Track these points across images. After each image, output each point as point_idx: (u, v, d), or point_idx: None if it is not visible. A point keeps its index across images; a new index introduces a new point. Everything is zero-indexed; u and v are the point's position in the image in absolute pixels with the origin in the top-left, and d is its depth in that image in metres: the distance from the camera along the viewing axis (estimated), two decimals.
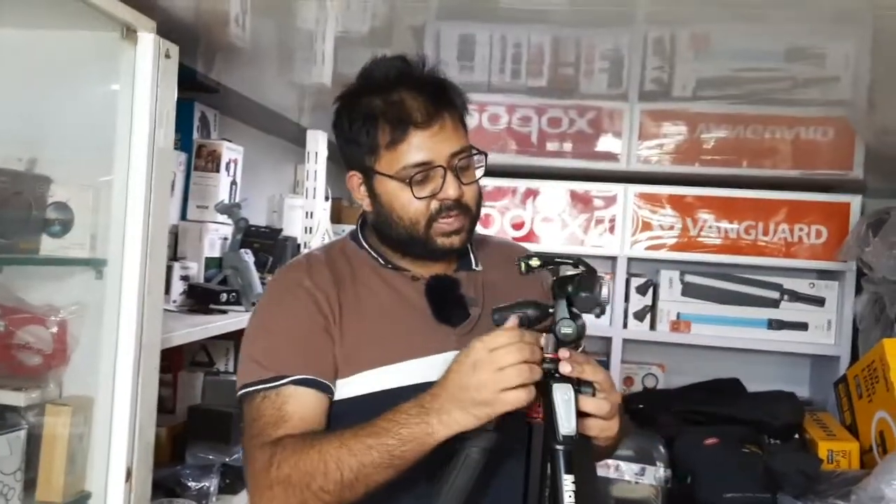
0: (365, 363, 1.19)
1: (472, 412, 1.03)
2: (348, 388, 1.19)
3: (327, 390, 1.18)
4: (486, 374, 1.02)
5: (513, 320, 1.07)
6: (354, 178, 1.26)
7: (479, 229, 1.33)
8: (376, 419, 1.08)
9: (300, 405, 1.16)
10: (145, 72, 1.34)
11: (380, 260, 1.27)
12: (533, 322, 1.08)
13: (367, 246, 1.29)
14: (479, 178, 1.24)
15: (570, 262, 1.10)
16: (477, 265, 1.31)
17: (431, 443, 1.05)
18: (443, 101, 1.20)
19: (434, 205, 1.19)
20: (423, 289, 1.22)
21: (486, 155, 1.24)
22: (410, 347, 1.13)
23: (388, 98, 1.19)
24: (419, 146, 1.17)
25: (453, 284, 1.21)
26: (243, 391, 1.19)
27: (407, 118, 1.17)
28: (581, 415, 1.07)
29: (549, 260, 1.11)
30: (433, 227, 1.20)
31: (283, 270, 1.33)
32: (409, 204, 1.19)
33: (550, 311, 1.07)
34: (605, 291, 1.05)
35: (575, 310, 1.07)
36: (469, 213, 1.22)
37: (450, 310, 1.14)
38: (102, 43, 1.34)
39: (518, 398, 1.02)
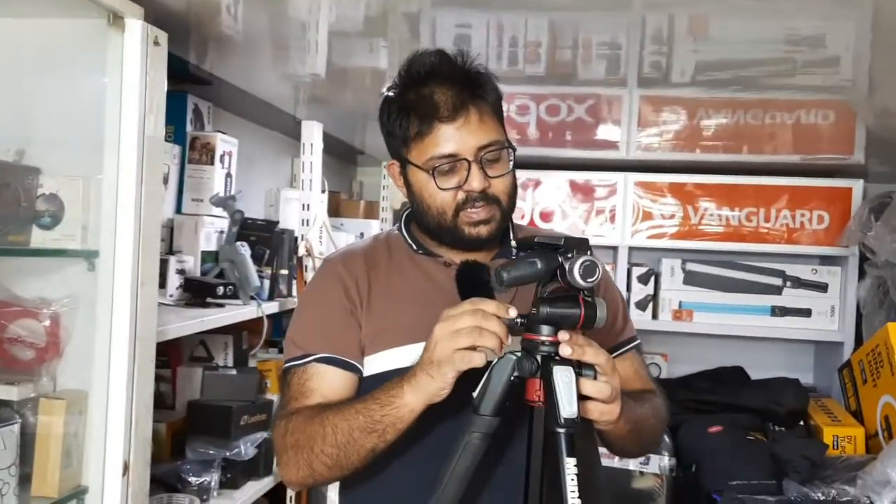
0: (390, 341, 1.27)
1: (429, 372, 1.09)
2: (374, 364, 1.27)
3: (352, 369, 1.27)
4: (441, 334, 1.08)
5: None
6: (394, 167, 1.34)
7: None
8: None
9: (322, 381, 1.26)
10: (133, 60, 1.32)
11: (413, 246, 1.34)
12: (532, 280, 1.08)
13: (405, 233, 1.37)
14: (510, 171, 1.28)
15: (557, 245, 1.08)
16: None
17: (404, 408, 1.11)
18: (472, 94, 1.24)
19: (461, 196, 1.25)
20: (454, 274, 1.23)
21: (514, 149, 1.28)
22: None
23: (419, 91, 1.25)
24: (446, 139, 1.23)
25: (482, 270, 1.22)
26: (284, 368, 1.32)
27: (433, 111, 1.22)
28: (582, 398, 1.05)
29: (529, 243, 1.14)
30: (460, 217, 1.26)
31: (324, 259, 1.44)
32: (436, 194, 1.25)
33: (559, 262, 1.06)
34: (577, 274, 1.03)
35: (588, 298, 1.06)
36: (499, 204, 1.27)
37: (477, 295, 1.14)
38: (89, 31, 1.32)
39: (466, 358, 1.05)
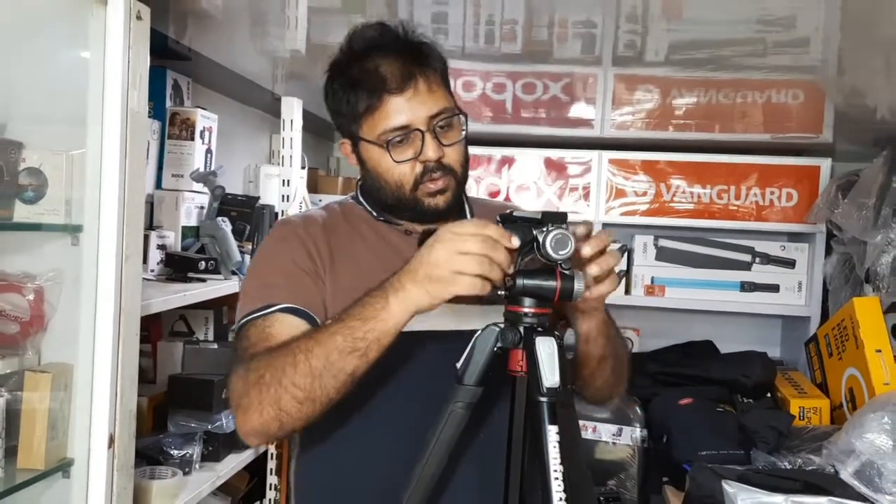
0: None
1: (425, 287, 1.04)
2: None
3: (315, 323, 1.20)
4: (445, 254, 1.03)
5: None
6: (346, 146, 1.31)
7: None
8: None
9: (285, 328, 1.17)
10: (116, 34, 1.32)
11: (373, 213, 1.32)
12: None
13: (363, 202, 1.34)
14: (462, 139, 1.26)
15: (535, 219, 1.08)
16: None
17: (390, 321, 1.06)
18: (417, 64, 1.23)
19: (418, 167, 1.23)
20: (416, 242, 1.22)
21: (466, 116, 1.26)
22: None
23: (363, 66, 1.22)
24: (396, 111, 1.21)
25: None
26: (237, 325, 1.23)
27: (380, 85, 1.20)
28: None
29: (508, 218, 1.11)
30: (419, 189, 1.24)
31: (279, 223, 1.40)
32: (392, 168, 1.23)
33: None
34: (550, 247, 1.04)
35: (566, 271, 1.08)
36: (454, 174, 1.26)
37: None
38: (70, 4, 1.31)
39: (472, 285, 1.02)
